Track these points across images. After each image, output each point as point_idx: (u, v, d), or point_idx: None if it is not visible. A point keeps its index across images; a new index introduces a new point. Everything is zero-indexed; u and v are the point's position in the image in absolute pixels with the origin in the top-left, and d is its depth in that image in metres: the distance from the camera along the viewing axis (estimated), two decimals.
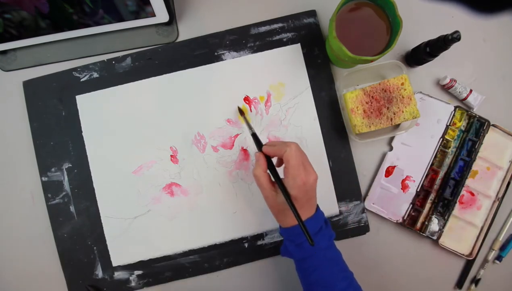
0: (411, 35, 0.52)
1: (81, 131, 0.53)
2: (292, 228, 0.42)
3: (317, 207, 0.44)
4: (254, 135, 0.47)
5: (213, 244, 0.52)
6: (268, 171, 0.43)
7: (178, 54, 0.53)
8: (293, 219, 0.41)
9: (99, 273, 0.52)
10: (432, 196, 0.52)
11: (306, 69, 0.53)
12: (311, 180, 0.41)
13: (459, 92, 0.52)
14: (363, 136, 0.51)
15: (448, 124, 0.52)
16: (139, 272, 0.52)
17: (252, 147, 0.53)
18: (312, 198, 0.42)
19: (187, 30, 0.54)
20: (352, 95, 0.49)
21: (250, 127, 0.48)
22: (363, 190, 0.53)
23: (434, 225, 0.52)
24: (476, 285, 0.52)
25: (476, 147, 0.52)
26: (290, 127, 0.53)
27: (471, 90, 0.52)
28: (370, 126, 0.49)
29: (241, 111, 0.51)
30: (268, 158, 0.43)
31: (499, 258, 0.53)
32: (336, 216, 0.52)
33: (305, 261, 0.42)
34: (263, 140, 0.52)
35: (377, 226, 0.53)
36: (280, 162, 0.46)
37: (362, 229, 0.52)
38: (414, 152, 0.52)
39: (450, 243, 0.52)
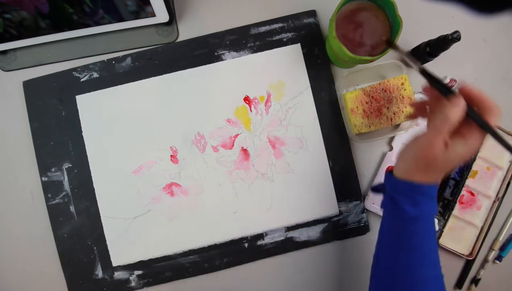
0: (411, 35, 0.52)
1: (81, 131, 0.53)
2: (422, 186, 0.36)
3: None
4: (425, 72, 0.38)
5: (213, 244, 0.52)
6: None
7: (178, 54, 0.53)
8: (429, 179, 0.36)
9: (99, 273, 0.52)
10: None
11: (306, 69, 0.53)
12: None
13: None
14: (363, 137, 0.51)
15: None
16: (139, 272, 0.52)
17: (252, 147, 0.53)
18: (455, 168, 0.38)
19: (187, 30, 0.54)
20: (352, 95, 0.49)
21: (415, 62, 0.39)
22: (363, 190, 0.53)
23: (434, 225, 0.52)
24: (476, 285, 0.52)
25: None
26: (290, 127, 0.53)
27: None
28: (370, 126, 0.49)
29: (389, 43, 0.43)
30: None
31: (499, 258, 0.53)
32: (336, 216, 0.52)
33: (414, 222, 0.37)
34: (263, 140, 0.53)
35: (377, 226, 0.53)
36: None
37: (362, 229, 0.52)
38: None
39: (450, 243, 0.52)
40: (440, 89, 0.37)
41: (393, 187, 0.39)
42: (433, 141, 0.35)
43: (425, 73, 0.38)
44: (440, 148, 0.35)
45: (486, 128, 0.34)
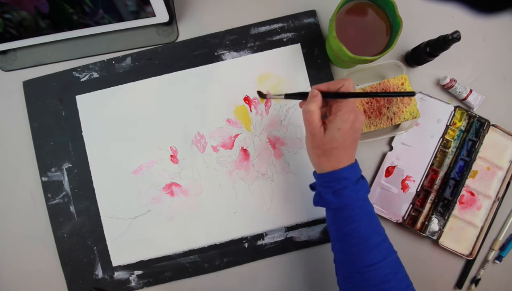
0: (411, 35, 0.52)
1: (81, 131, 0.53)
2: (333, 172, 0.39)
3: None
4: (287, 95, 0.45)
5: (213, 244, 0.52)
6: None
7: (178, 54, 0.53)
8: (336, 162, 0.39)
9: (99, 273, 0.52)
10: (432, 196, 0.52)
11: (306, 69, 0.53)
12: (359, 122, 0.39)
13: (459, 92, 0.52)
14: (363, 137, 0.51)
15: (448, 124, 0.52)
16: (139, 272, 0.52)
17: (252, 147, 0.53)
18: (356, 141, 0.40)
19: (187, 30, 0.54)
20: None
21: (278, 95, 0.47)
22: None
23: (434, 225, 0.52)
24: (476, 285, 0.52)
25: (476, 147, 0.52)
26: (290, 127, 0.53)
27: (471, 90, 0.52)
28: (370, 126, 0.49)
29: (261, 94, 0.51)
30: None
31: (499, 258, 0.53)
32: None
33: (342, 210, 0.39)
34: (263, 140, 0.53)
35: None
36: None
37: None
38: (414, 152, 0.52)
39: (450, 243, 0.52)
40: (302, 97, 0.44)
41: (318, 183, 0.42)
42: (311, 132, 0.40)
43: (289, 96, 0.45)
44: (318, 133, 0.39)
45: (337, 96, 0.40)
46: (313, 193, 0.44)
